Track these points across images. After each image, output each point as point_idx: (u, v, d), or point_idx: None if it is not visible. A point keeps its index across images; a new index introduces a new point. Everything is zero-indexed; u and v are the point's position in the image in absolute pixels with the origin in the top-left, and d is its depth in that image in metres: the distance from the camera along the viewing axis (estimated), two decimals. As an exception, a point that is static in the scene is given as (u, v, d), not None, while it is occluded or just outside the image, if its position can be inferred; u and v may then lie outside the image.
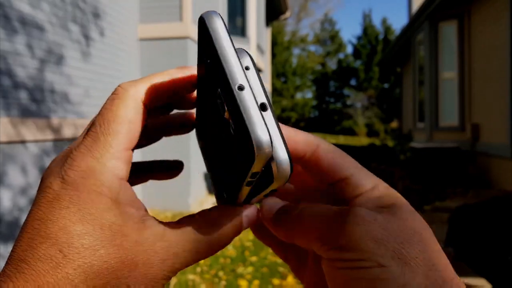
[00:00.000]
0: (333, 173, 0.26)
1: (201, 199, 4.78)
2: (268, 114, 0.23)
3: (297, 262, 0.31)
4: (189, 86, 0.28)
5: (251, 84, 0.22)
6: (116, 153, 0.23)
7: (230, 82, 0.22)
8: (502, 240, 3.05)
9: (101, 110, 0.24)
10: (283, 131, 0.24)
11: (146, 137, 0.30)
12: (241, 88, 0.21)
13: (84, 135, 0.24)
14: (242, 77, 0.22)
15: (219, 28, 0.25)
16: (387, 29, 22.80)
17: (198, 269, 2.80)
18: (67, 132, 3.29)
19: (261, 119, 0.20)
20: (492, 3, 5.05)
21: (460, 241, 3.08)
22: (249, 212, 0.27)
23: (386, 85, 21.85)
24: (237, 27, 7.94)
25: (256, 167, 0.21)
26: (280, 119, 10.70)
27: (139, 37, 4.47)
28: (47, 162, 3.07)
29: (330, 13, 28.45)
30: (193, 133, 0.34)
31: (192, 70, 0.27)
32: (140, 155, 3.10)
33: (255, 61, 0.31)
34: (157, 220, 0.24)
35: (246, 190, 0.24)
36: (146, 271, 0.22)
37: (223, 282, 2.59)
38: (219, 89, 0.23)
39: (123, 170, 0.23)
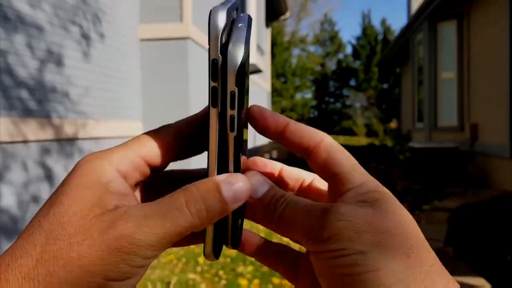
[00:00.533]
0: (328, 168, 0.28)
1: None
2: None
3: (289, 270, 0.32)
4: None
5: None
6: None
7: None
8: (501, 240, 3.06)
9: None
10: (293, 125, 0.28)
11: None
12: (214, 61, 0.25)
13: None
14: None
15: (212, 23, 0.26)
16: (387, 30, 22.83)
17: (199, 269, 2.81)
18: (68, 131, 3.30)
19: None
20: (491, 4, 5.06)
21: (460, 240, 3.10)
22: (227, 178, 0.25)
23: (385, 86, 21.88)
24: (237, 27, 7.94)
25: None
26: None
27: (139, 38, 4.48)
28: (49, 161, 3.09)
29: (330, 14, 28.50)
30: None
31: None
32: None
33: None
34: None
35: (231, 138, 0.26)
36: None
37: (223, 282, 2.60)
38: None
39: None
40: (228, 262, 2.95)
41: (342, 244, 0.24)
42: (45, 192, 2.95)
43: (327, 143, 0.28)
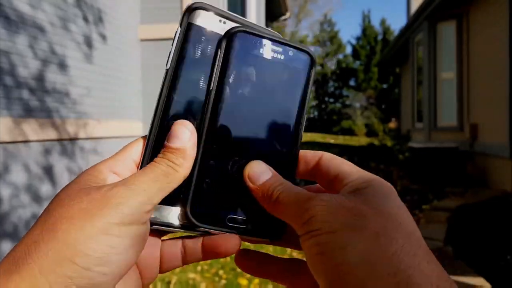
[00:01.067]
0: (329, 172, 0.32)
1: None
2: None
3: (289, 279, 0.34)
4: None
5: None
6: None
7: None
8: (501, 240, 3.07)
9: None
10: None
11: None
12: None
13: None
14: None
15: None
16: (386, 30, 22.84)
17: (199, 268, 2.82)
18: (70, 131, 3.31)
19: None
20: (491, 4, 5.08)
21: (459, 240, 3.10)
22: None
23: (385, 86, 21.89)
24: (237, 27, 7.97)
25: None
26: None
27: (139, 38, 4.49)
28: (50, 161, 3.09)
29: (329, 14, 28.49)
30: None
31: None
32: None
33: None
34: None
35: None
36: None
37: (223, 281, 2.61)
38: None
39: None
40: (228, 262, 2.96)
41: (317, 225, 0.26)
42: (46, 192, 2.96)
43: (327, 156, 0.33)
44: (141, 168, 0.31)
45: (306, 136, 15.34)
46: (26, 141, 2.81)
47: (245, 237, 0.34)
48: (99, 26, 3.80)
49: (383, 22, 23.19)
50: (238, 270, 2.79)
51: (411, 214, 0.28)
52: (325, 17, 26.11)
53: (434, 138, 6.64)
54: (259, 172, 0.32)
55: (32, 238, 0.25)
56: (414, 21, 7.30)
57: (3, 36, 2.64)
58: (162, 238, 0.34)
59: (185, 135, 0.30)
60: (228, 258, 3.02)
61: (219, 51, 0.33)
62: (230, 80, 0.33)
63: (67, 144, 3.31)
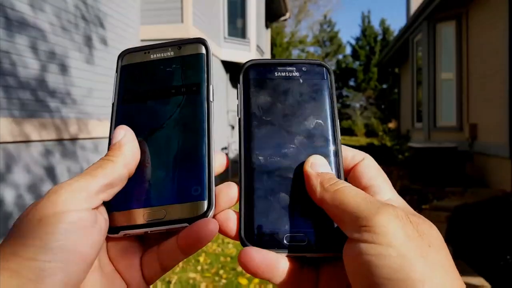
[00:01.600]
0: (361, 179, 0.33)
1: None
2: None
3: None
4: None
5: None
6: None
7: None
8: (501, 240, 3.08)
9: None
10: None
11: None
12: None
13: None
14: None
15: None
16: (386, 30, 22.86)
17: (199, 268, 2.83)
18: (71, 131, 3.32)
19: None
20: (490, 5, 5.09)
21: (459, 240, 3.11)
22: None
23: (384, 86, 21.90)
24: (237, 28, 7.98)
25: None
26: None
27: (140, 38, 4.50)
28: (51, 160, 3.10)
29: (329, 15, 28.50)
30: None
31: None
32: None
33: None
34: None
35: None
36: None
37: (224, 281, 2.61)
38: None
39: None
40: (228, 261, 2.97)
41: (386, 237, 0.26)
42: (47, 191, 2.97)
43: (365, 162, 0.35)
44: None
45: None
46: (27, 141, 2.82)
47: (307, 254, 0.32)
48: (100, 27, 3.81)
49: (382, 22, 23.20)
50: (238, 269, 2.80)
51: None
52: (324, 17, 26.13)
53: (433, 138, 6.65)
54: (322, 163, 0.34)
55: None
56: (413, 22, 7.31)
57: (3, 37, 2.65)
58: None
59: (118, 134, 0.34)
60: (228, 258, 3.03)
61: (238, 84, 0.38)
62: (255, 106, 0.36)
63: (68, 144, 3.32)
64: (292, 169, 0.34)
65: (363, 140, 15.46)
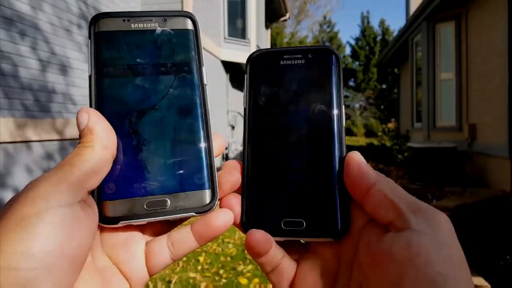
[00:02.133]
0: (379, 210, 0.30)
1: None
2: None
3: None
4: None
5: None
6: None
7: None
8: (500, 240, 3.08)
9: None
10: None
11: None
12: None
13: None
14: None
15: None
16: (385, 30, 22.87)
17: (199, 267, 2.83)
18: (71, 132, 3.32)
19: None
20: (489, 5, 5.10)
21: (459, 240, 3.12)
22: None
23: (384, 86, 21.91)
24: (237, 29, 7.98)
25: None
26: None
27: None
28: (51, 161, 3.10)
29: (329, 15, 28.53)
30: None
31: None
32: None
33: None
34: None
35: None
36: None
37: (224, 280, 2.62)
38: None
39: None
40: (228, 261, 2.97)
41: (448, 237, 0.27)
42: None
43: (380, 187, 0.31)
44: None
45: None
46: (27, 141, 2.83)
47: (307, 239, 0.33)
48: (99, 27, 3.81)
49: (382, 22, 23.21)
50: (239, 269, 2.80)
51: None
52: (324, 18, 26.15)
53: (433, 138, 6.65)
54: (360, 159, 0.33)
55: None
56: (413, 22, 7.32)
57: (4, 37, 2.65)
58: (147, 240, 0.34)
59: (82, 118, 0.31)
60: (228, 258, 3.03)
61: (245, 75, 0.37)
62: (261, 97, 0.36)
63: (68, 145, 3.32)
64: (296, 158, 0.34)
65: (363, 140, 15.47)
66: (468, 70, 5.83)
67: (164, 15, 0.36)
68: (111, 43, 0.35)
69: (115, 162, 0.32)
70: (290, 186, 0.34)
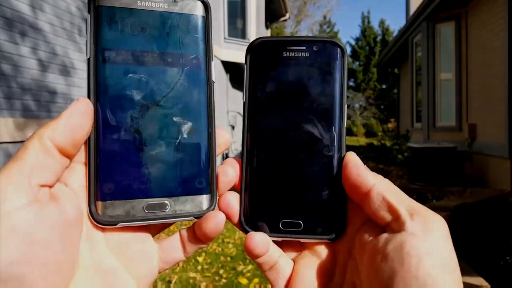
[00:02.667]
0: (378, 210, 0.30)
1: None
2: None
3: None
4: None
5: None
6: None
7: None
8: (500, 239, 3.08)
9: None
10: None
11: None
12: None
13: None
14: None
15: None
16: (385, 31, 22.87)
17: (199, 267, 2.83)
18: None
19: None
20: (489, 5, 5.10)
21: (458, 240, 3.12)
22: None
23: (384, 86, 21.92)
24: (237, 29, 7.99)
25: None
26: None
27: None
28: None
29: (329, 15, 28.53)
30: None
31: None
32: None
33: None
34: None
35: None
36: None
37: (224, 280, 2.62)
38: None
39: None
40: (228, 261, 2.97)
41: (442, 242, 0.28)
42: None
43: (379, 190, 0.31)
44: None
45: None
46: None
47: (305, 239, 0.33)
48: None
49: (382, 23, 23.22)
50: (239, 269, 2.80)
51: None
52: (324, 18, 26.15)
53: (433, 138, 6.66)
54: (359, 162, 0.33)
55: None
56: (413, 22, 7.32)
57: (5, 38, 2.65)
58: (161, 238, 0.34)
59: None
60: (228, 258, 3.03)
61: (245, 65, 0.35)
62: (261, 90, 0.34)
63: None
64: (295, 155, 0.34)
65: (363, 140, 15.47)
66: (468, 70, 5.83)
67: None
68: (113, 21, 0.30)
69: (114, 161, 0.30)
70: (289, 187, 0.33)
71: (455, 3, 5.76)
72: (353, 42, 24.06)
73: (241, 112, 0.36)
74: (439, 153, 5.23)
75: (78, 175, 0.30)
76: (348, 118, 21.89)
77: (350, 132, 20.54)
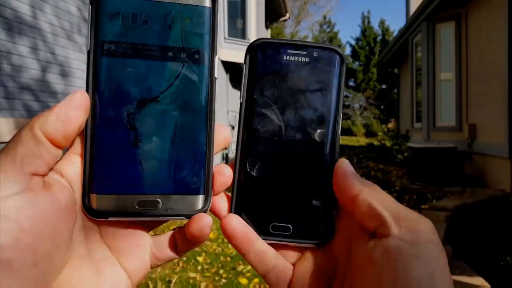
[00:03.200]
0: (364, 216, 0.31)
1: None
2: None
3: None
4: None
5: None
6: None
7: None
8: (500, 239, 3.08)
9: None
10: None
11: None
12: None
13: None
14: None
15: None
16: (385, 31, 22.88)
17: (199, 267, 2.83)
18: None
19: None
20: (489, 5, 5.10)
21: (458, 240, 3.12)
22: None
23: (384, 86, 21.92)
24: (237, 29, 7.99)
25: None
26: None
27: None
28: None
29: (329, 15, 28.55)
30: None
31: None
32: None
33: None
34: None
35: None
36: None
37: (224, 280, 2.62)
38: None
39: None
40: (228, 261, 2.97)
41: (430, 246, 0.28)
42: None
43: (365, 196, 0.32)
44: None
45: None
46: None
47: (294, 243, 0.34)
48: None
49: (382, 23, 23.22)
50: (239, 269, 2.80)
51: None
52: (324, 18, 26.16)
53: (433, 138, 6.66)
54: (348, 166, 0.33)
55: None
56: (413, 22, 7.33)
57: (5, 39, 2.65)
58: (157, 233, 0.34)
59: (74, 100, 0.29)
60: (228, 258, 3.03)
61: (244, 65, 0.35)
62: (259, 91, 0.34)
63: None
64: (287, 160, 0.34)
65: (363, 140, 15.48)
66: (468, 70, 5.83)
67: None
68: (115, 12, 0.30)
69: (109, 155, 0.30)
70: (281, 190, 0.34)
71: (455, 3, 5.77)
72: (353, 42, 24.07)
73: None
74: (439, 153, 5.23)
75: (75, 166, 0.30)
76: (348, 118, 21.91)
77: (350, 132, 20.55)
